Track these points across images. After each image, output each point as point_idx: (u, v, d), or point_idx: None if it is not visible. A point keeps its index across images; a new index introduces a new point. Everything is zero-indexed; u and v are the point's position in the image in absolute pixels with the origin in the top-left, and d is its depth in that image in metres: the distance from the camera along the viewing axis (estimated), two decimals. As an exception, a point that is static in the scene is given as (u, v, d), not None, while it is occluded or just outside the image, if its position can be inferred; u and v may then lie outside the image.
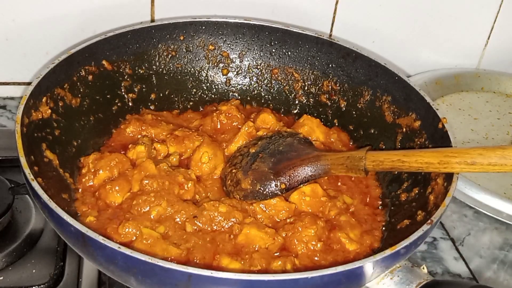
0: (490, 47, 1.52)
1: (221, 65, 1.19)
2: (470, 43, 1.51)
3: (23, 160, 0.78)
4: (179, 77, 1.17)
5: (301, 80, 1.18)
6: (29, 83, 0.94)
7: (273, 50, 1.18)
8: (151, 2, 1.26)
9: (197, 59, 1.17)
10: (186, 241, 0.85)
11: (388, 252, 0.73)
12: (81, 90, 1.02)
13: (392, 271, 0.79)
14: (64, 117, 0.97)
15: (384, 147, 1.07)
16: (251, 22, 1.16)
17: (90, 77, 1.04)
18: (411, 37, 1.45)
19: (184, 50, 1.16)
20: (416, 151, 0.86)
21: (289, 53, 1.17)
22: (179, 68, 1.17)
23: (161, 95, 1.16)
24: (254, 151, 1.00)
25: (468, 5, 1.42)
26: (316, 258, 0.87)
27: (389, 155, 0.87)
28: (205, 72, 1.19)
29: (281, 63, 1.18)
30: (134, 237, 0.85)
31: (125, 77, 1.10)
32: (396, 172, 1.02)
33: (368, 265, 0.72)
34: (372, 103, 1.10)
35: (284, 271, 0.82)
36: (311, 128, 1.10)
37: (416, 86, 1.02)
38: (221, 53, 1.18)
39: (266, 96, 1.20)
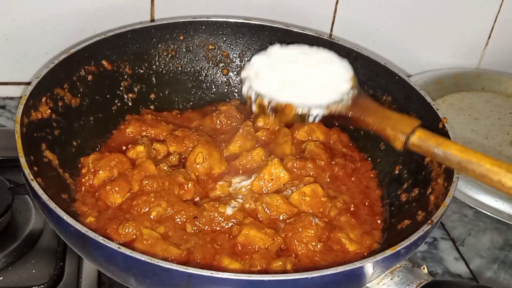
0: (490, 47, 1.52)
1: (221, 65, 1.19)
2: (470, 43, 1.51)
3: (22, 160, 0.78)
4: (179, 77, 1.17)
5: (301, 80, 1.17)
6: (28, 83, 0.93)
7: (273, 50, 1.18)
8: (151, 2, 1.26)
9: (197, 59, 1.17)
10: (186, 242, 0.85)
11: (388, 252, 0.72)
12: (81, 90, 1.02)
13: (393, 271, 0.79)
14: (64, 117, 0.97)
15: (384, 147, 1.06)
16: (251, 22, 1.16)
17: (90, 77, 1.03)
18: (411, 37, 1.45)
19: (184, 50, 1.16)
20: (477, 153, 0.74)
21: (289, 53, 1.17)
22: (179, 68, 1.17)
23: (161, 95, 1.16)
24: None
25: (468, 5, 1.42)
26: (316, 259, 0.87)
27: (444, 142, 0.76)
28: (205, 72, 1.19)
29: (281, 63, 1.18)
30: (134, 237, 0.85)
31: (125, 77, 1.10)
32: (396, 172, 1.02)
33: (369, 266, 0.72)
34: (372, 103, 1.10)
35: (284, 271, 0.81)
36: (311, 128, 1.10)
37: (416, 86, 1.02)
38: (221, 53, 1.18)
39: (266, 96, 1.20)
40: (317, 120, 0.86)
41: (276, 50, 0.93)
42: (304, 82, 0.88)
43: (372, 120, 0.84)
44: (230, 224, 0.90)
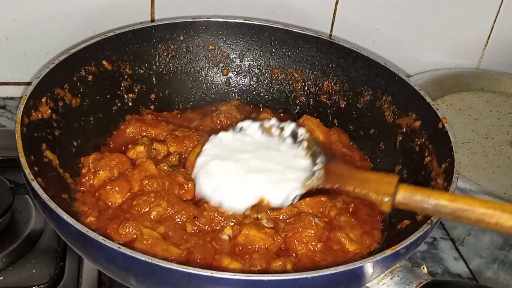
0: (490, 47, 1.52)
1: (221, 65, 1.19)
2: (470, 43, 1.51)
3: (23, 160, 0.78)
4: (179, 77, 1.17)
5: (301, 80, 1.18)
6: (29, 83, 0.93)
7: (273, 50, 1.18)
8: (151, 2, 1.26)
9: (197, 59, 1.17)
10: (186, 241, 0.85)
11: (388, 252, 0.73)
12: (81, 90, 1.02)
13: (392, 271, 0.79)
14: (64, 117, 0.97)
15: (383, 147, 1.07)
16: (251, 22, 1.16)
17: (90, 77, 1.04)
18: (411, 37, 1.45)
19: (184, 50, 1.16)
20: (468, 198, 0.72)
21: (289, 53, 1.17)
22: (179, 68, 1.17)
23: (161, 95, 1.16)
24: None
25: (468, 5, 1.42)
26: (316, 258, 0.87)
27: (431, 193, 0.74)
28: (205, 72, 1.19)
29: (281, 63, 1.18)
30: (134, 237, 0.85)
31: (125, 77, 1.10)
32: (396, 172, 1.02)
33: (368, 265, 0.72)
34: (372, 103, 1.10)
35: (284, 271, 0.82)
36: (311, 128, 1.10)
37: (416, 86, 1.02)
38: (221, 53, 1.18)
39: (266, 96, 1.20)
40: (295, 201, 0.87)
41: (220, 142, 0.95)
42: (268, 168, 0.89)
43: (352, 187, 0.82)
44: (230, 224, 0.90)
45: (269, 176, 0.88)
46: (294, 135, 0.96)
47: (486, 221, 0.70)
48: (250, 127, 0.98)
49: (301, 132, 0.95)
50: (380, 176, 0.81)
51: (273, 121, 0.98)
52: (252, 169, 0.90)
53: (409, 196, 0.75)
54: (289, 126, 0.96)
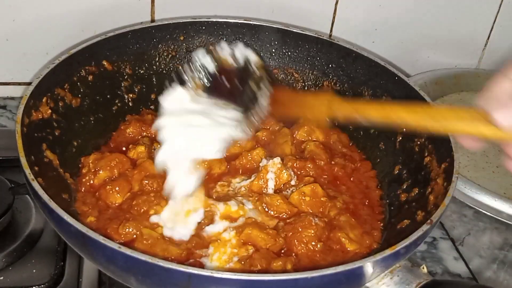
0: (490, 47, 1.52)
1: (221, 65, 1.19)
2: (470, 43, 1.51)
3: (23, 160, 0.79)
4: (179, 77, 1.17)
5: (301, 80, 1.18)
6: (29, 83, 0.93)
7: (273, 50, 1.18)
8: (151, 2, 1.26)
9: (197, 59, 1.17)
10: (187, 241, 0.85)
11: (388, 252, 0.73)
12: (81, 90, 1.02)
13: (392, 271, 0.79)
14: (64, 117, 0.97)
15: (383, 147, 1.07)
16: (251, 22, 1.16)
17: (90, 77, 1.04)
18: (411, 37, 1.45)
19: (184, 50, 1.16)
20: (395, 107, 0.80)
21: (289, 53, 1.17)
22: (180, 68, 1.17)
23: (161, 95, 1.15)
24: None
25: (468, 5, 1.43)
26: (316, 258, 0.87)
27: (359, 107, 0.84)
28: (205, 72, 1.19)
29: (281, 63, 1.18)
30: (134, 237, 0.85)
31: (125, 77, 1.10)
32: (395, 172, 1.02)
33: (368, 265, 0.72)
34: (372, 103, 1.10)
35: (284, 271, 0.82)
36: (311, 128, 1.10)
37: (416, 86, 1.02)
38: (221, 53, 1.18)
39: (266, 96, 1.20)
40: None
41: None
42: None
43: (292, 113, 0.93)
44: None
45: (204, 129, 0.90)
46: (247, 62, 0.97)
47: (415, 125, 0.78)
48: (205, 58, 0.97)
49: (253, 58, 0.97)
50: (313, 97, 0.90)
51: (224, 45, 0.98)
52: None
53: (341, 113, 0.85)
54: (241, 52, 0.97)
